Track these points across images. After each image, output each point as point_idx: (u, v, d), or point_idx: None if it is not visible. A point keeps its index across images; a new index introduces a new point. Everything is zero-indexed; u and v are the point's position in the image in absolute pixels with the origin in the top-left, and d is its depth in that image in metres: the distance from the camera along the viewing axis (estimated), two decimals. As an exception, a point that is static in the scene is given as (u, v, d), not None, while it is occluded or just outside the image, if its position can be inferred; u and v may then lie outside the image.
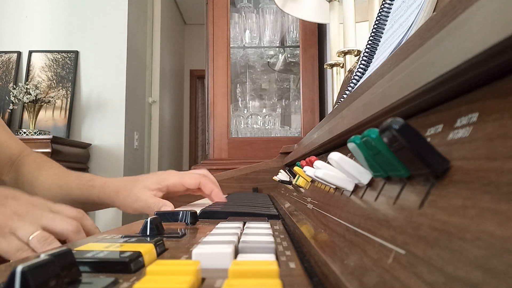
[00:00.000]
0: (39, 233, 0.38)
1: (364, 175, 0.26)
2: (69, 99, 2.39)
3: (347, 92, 0.61)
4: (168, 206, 0.61)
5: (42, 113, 2.28)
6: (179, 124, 4.19)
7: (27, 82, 2.32)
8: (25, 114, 2.28)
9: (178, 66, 4.13)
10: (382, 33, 0.57)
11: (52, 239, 0.38)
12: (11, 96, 2.13)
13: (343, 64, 1.02)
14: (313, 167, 0.35)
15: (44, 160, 0.74)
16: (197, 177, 0.66)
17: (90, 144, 2.42)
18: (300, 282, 0.20)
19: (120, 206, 0.65)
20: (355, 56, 0.95)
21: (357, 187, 0.28)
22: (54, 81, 2.42)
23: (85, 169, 2.35)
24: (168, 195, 0.67)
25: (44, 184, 0.68)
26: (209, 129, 1.93)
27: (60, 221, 0.41)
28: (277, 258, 0.23)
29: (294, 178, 0.67)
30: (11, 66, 2.43)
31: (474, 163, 0.14)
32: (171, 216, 0.45)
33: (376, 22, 0.58)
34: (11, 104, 2.23)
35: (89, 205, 0.68)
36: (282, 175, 0.85)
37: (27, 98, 2.09)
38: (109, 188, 0.65)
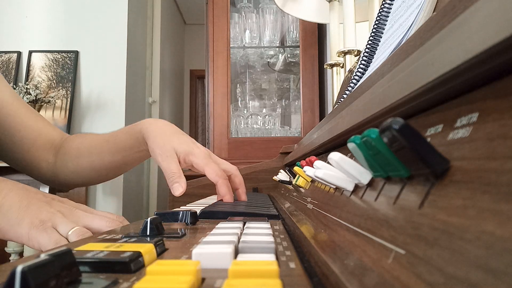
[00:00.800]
0: (78, 228, 0.40)
1: (364, 175, 0.26)
2: (69, 99, 2.39)
3: (347, 92, 0.61)
4: (181, 185, 0.60)
5: (42, 113, 2.28)
6: (179, 124, 4.19)
7: (27, 82, 2.32)
8: (25, 114, 2.28)
9: (178, 66, 4.13)
10: (382, 33, 0.57)
11: (89, 234, 0.40)
12: (11, 96, 2.13)
13: (343, 64, 1.02)
14: (313, 167, 0.35)
15: (88, 133, 0.79)
16: (219, 175, 0.64)
17: (90, 144, 2.42)
18: (300, 282, 0.20)
19: (150, 151, 0.66)
20: (355, 56, 0.95)
21: (357, 187, 0.28)
22: (54, 81, 2.42)
23: (85, 169, 2.35)
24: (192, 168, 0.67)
25: (91, 142, 0.72)
26: (209, 129, 1.93)
27: (99, 219, 0.44)
28: (277, 258, 0.23)
29: (294, 178, 0.67)
30: (11, 66, 2.43)
31: (474, 163, 0.14)
32: (171, 216, 0.45)
33: (376, 22, 0.58)
34: (11, 104, 2.23)
35: (134, 150, 0.69)
36: (282, 175, 0.85)
37: (27, 98, 2.09)
38: (151, 126, 0.66)
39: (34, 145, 0.72)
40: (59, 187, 0.77)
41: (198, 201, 0.96)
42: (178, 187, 0.60)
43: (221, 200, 0.65)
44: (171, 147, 0.63)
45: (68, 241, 0.40)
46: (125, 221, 0.46)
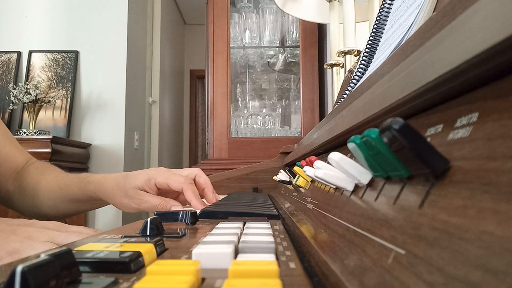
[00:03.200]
0: (55, 248, 0.37)
1: (364, 175, 0.26)
2: (69, 99, 2.39)
3: (347, 92, 0.61)
4: (177, 206, 0.60)
5: (42, 113, 2.28)
6: (179, 124, 4.19)
7: (27, 82, 2.32)
8: (25, 114, 2.28)
9: (178, 66, 4.13)
10: (382, 33, 0.57)
11: None
12: (11, 96, 2.13)
13: (343, 64, 1.02)
14: (313, 167, 0.35)
15: (46, 166, 0.76)
16: (182, 181, 0.64)
17: (90, 144, 2.42)
18: (300, 282, 0.20)
19: (118, 206, 0.65)
20: (355, 56, 0.95)
21: (357, 187, 0.28)
22: (54, 81, 2.42)
23: (85, 169, 2.35)
24: (163, 195, 0.66)
25: (46, 187, 0.70)
26: (209, 129, 1.93)
27: (75, 236, 0.40)
28: (277, 258, 0.23)
29: (294, 178, 0.67)
30: (11, 66, 2.43)
31: (474, 163, 0.14)
32: (171, 216, 0.45)
33: (376, 22, 0.58)
34: (11, 104, 2.23)
35: (88, 203, 0.69)
36: (282, 175, 0.85)
37: (27, 98, 2.09)
38: (104, 185, 0.66)
39: None
40: (15, 211, 0.76)
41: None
42: (177, 207, 0.60)
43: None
44: (132, 189, 0.63)
45: None
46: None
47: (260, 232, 0.31)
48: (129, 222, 0.59)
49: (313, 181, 0.49)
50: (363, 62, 0.59)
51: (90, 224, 2.34)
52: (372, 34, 0.58)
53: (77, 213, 0.74)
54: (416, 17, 0.40)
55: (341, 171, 0.28)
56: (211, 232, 0.32)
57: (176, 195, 0.69)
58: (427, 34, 0.21)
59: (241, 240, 0.27)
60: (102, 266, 0.21)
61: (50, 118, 2.35)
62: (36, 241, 0.38)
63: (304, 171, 0.40)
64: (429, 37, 0.19)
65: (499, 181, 0.12)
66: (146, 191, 0.63)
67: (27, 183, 0.72)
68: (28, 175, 0.73)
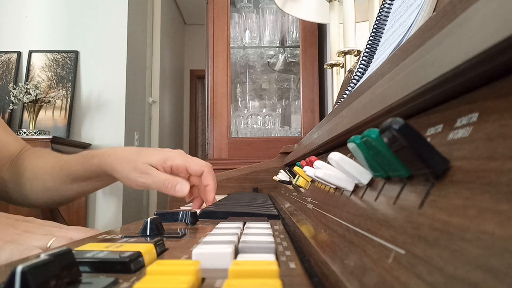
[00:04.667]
0: (57, 238, 0.37)
1: (364, 175, 0.26)
2: (69, 99, 2.39)
3: (347, 92, 0.61)
4: (184, 184, 0.57)
5: (42, 113, 2.28)
6: (179, 124, 4.19)
7: (27, 82, 2.32)
8: (25, 114, 2.28)
9: (178, 66, 4.13)
10: (382, 33, 0.57)
11: (71, 241, 0.37)
12: (11, 96, 2.13)
13: (343, 64, 1.02)
14: (313, 167, 0.35)
15: (43, 149, 0.72)
16: (203, 165, 0.62)
17: (90, 144, 2.42)
18: (300, 282, 0.20)
19: (123, 180, 0.61)
20: (355, 56, 0.95)
21: (357, 187, 0.28)
22: (54, 81, 2.42)
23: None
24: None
25: (45, 168, 0.66)
26: (209, 129, 1.93)
27: (74, 231, 0.40)
28: (277, 258, 0.23)
29: (294, 178, 0.67)
30: (11, 66, 2.43)
31: (474, 163, 0.14)
32: (171, 216, 0.45)
33: (376, 22, 0.58)
34: (11, 104, 2.23)
35: (92, 180, 0.65)
36: (282, 175, 0.85)
37: (27, 98, 2.09)
38: (110, 157, 0.61)
39: None
40: (10, 203, 0.72)
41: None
42: (181, 187, 0.57)
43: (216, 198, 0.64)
44: (144, 164, 0.60)
45: None
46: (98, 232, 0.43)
47: (260, 232, 0.31)
48: (129, 222, 0.59)
49: (313, 181, 0.49)
50: (363, 62, 0.59)
51: (90, 224, 2.34)
52: (372, 34, 0.58)
53: (80, 195, 0.69)
54: (416, 17, 0.40)
55: (341, 171, 0.28)
56: (211, 232, 0.32)
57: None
58: (427, 34, 0.21)
59: (241, 240, 0.27)
60: (102, 266, 0.21)
61: (50, 118, 2.35)
62: (35, 234, 0.38)
63: (304, 171, 0.40)
64: (429, 37, 0.19)
65: (499, 181, 0.12)
66: (160, 169, 0.60)
67: (24, 168, 0.67)
68: (24, 160, 0.68)
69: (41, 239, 0.37)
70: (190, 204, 0.86)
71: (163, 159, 0.61)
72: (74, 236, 0.39)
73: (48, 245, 0.36)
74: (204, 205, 0.65)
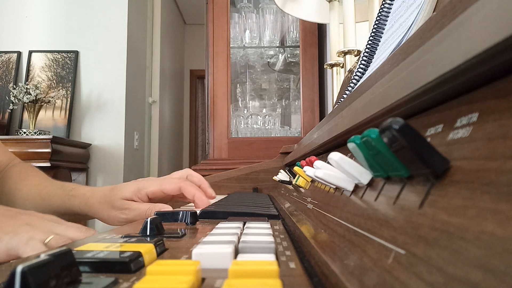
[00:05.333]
0: (55, 236, 0.37)
1: (364, 175, 0.26)
2: (69, 99, 2.39)
3: (347, 92, 0.61)
4: (166, 207, 0.58)
5: (42, 113, 2.28)
6: (179, 124, 4.19)
7: (27, 82, 2.32)
8: (25, 114, 2.28)
9: (178, 66, 4.13)
10: (382, 33, 0.57)
11: (70, 240, 0.37)
12: (11, 96, 2.13)
13: (343, 64, 1.02)
14: (313, 167, 0.35)
15: (30, 170, 0.72)
16: (176, 182, 0.62)
17: (90, 144, 2.42)
18: (300, 282, 0.20)
19: (106, 220, 0.62)
20: (355, 56, 0.95)
21: (357, 187, 0.28)
22: (54, 81, 2.42)
23: (85, 169, 2.35)
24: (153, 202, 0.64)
25: (27, 195, 0.66)
26: (209, 129, 1.93)
27: (74, 229, 0.40)
28: (277, 258, 0.23)
29: (294, 178, 0.67)
30: (11, 66, 2.43)
31: (474, 163, 0.14)
32: (171, 216, 0.45)
33: (376, 22, 0.58)
34: (11, 104, 2.23)
35: (71, 216, 0.65)
36: (282, 175, 0.85)
37: (27, 98, 2.09)
38: (90, 200, 0.62)
39: None
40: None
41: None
42: (164, 207, 0.58)
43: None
44: (120, 200, 0.60)
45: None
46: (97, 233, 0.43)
47: (260, 232, 0.31)
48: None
49: (313, 181, 0.49)
50: (363, 62, 0.59)
51: (90, 224, 2.34)
52: (372, 34, 0.58)
53: None
54: (416, 17, 0.40)
55: (341, 171, 0.28)
56: (211, 232, 0.32)
57: (169, 200, 0.67)
58: (427, 34, 0.21)
59: (241, 240, 0.27)
60: (102, 266, 0.21)
61: (50, 118, 2.35)
62: (35, 228, 0.39)
63: (304, 171, 0.40)
64: (429, 37, 0.19)
65: (499, 181, 0.12)
66: (134, 201, 0.61)
67: (8, 188, 0.68)
68: (10, 179, 0.69)
69: (40, 233, 0.37)
70: (190, 204, 0.86)
71: (136, 190, 0.61)
72: (73, 235, 0.39)
73: (46, 241, 0.36)
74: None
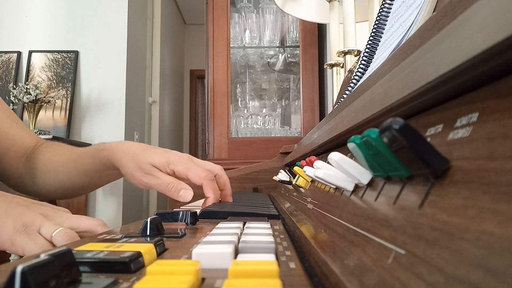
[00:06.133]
0: (63, 229, 0.38)
1: (364, 175, 0.26)
2: (69, 99, 2.39)
3: (347, 92, 0.61)
4: (188, 190, 0.57)
5: (42, 113, 2.29)
6: (179, 124, 4.19)
7: (27, 82, 2.32)
8: (25, 114, 2.28)
9: (178, 66, 4.13)
10: (382, 33, 0.57)
11: (75, 235, 0.38)
12: (11, 96, 2.13)
13: (343, 64, 1.02)
14: (313, 167, 0.35)
15: (57, 144, 0.75)
16: (203, 176, 0.61)
17: (90, 144, 2.42)
18: (300, 282, 0.20)
19: (128, 177, 0.62)
20: (355, 56, 0.95)
21: (357, 187, 0.28)
22: (54, 81, 2.42)
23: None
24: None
25: (58, 161, 0.68)
26: (209, 129, 1.93)
27: (85, 219, 0.42)
28: (277, 258, 0.23)
29: (294, 178, 0.67)
30: (11, 66, 2.43)
31: (474, 163, 0.14)
32: (171, 216, 0.45)
33: (376, 22, 0.58)
34: (11, 104, 2.23)
35: (102, 173, 0.66)
36: (282, 175, 0.85)
37: (27, 98, 2.09)
38: (119, 152, 0.63)
39: (7, 154, 0.69)
40: (27, 195, 0.73)
41: (198, 201, 0.96)
42: (185, 193, 0.57)
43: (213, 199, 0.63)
44: (148, 164, 0.60)
45: (53, 245, 0.37)
46: (106, 226, 0.44)
47: (260, 232, 0.31)
48: (129, 222, 0.59)
49: (313, 181, 0.49)
50: (363, 62, 0.59)
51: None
52: (372, 34, 0.58)
53: (92, 187, 0.71)
54: (416, 17, 0.40)
55: (341, 171, 0.28)
56: (211, 232, 0.32)
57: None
58: (427, 34, 0.21)
59: (241, 240, 0.27)
60: (102, 266, 0.21)
61: (50, 118, 2.35)
62: (48, 219, 0.40)
63: (304, 171, 0.40)
64: (429, 37, 0.19)
65: (499, 181, 0.12)
66: (160, 171, 0.61)
67: (38, 161, 0.69)
68: (39, 154, 0.70)
69: (53, 227, 0.39)
70: (189, 204, 0.86)
71: (166, 162, 0.61)
72: (85, 224, 0.41)
73: (54, 234, 0.38)
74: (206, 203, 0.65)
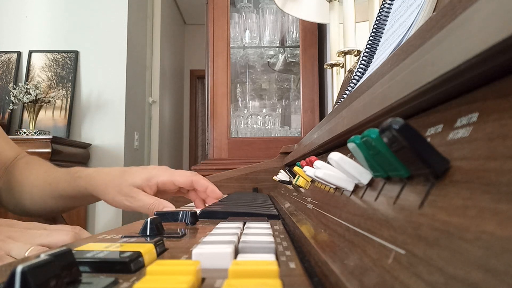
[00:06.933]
0: (34, 248, 0.37)
1: (364, 175, 0.26)
2: (69, 99, 2.39)
3: (347, 92, 0.61)
4: (169, 208, 0.58)
5: (42, 113, 2.28)
6: (179, 124, 4.19)
7: (27, 82, 2.32)
8: (25, 114, 2.28)
9: (178, 66, 4.13)
10: (382, 33, 0.57)
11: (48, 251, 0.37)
12: (11, 96, 2.13)
13: (343, 64, 1.02)
14: (313, 167, 0.35)
15: (35, 160, 0.73)
16: (188, 175, 0.63)
17: (90, 144, 2.42)
18: (300, 282, 0.20)
19: (110, 203, 0.62)
20: (355, 56, 0.95)
21: (357, 187, 0.28)
22: (54, 81, 2.42)
23: (85, 169, 2.35)
24: (158, 195, 0.63)
25: (34, 182, 0.67)
26: (209, 129, 1.93)
27: (56, 234, 0.40)
28: (277, 258, 0.23)
29: (294, 178, 0.67)
30: (11, 66, 2.43)
31: (474, 163, 0.14)
32: (171, 216, 0.45)
33: (376, 22, 0.58)
34: (11, 104, 2.23)
35: (79, 199, 0.66)
36: (282, 175, 0.85)
37: (27, 98, 2.09)
38: (96, 180, 0.62)
39: None
40: (6, 209, 0.72)
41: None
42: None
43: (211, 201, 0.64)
44: (128, 187, 0.60)
45: None
46: (82, 230, 0.43)
47: (260, 232, 0.31)
48: (129, 222, 0.59)
49: (313, 181, 0.49)
50: (363, 62, 0.59)
51: (90, 224, 2.34)
52: (372, 34, 0.58)
53: (68, 209, 0.71)
54: (416, 17, 0.40)
55: (341, 171, 0.28)
56: (211, 232, 0.32)
57: (173, 194, 0.67)
58: (427, 34, 0.21)
59: (241, 240, 0.27)
60: (102, 266, 0.21)
61: (50, 118, 2.35)
62: (17, 240, 0.38)
63: (304, 171, 0.40)
64: (429, 37, 0.19)
65: (499, 181, 0.12)
66: (143, 190, 0.61)
67: (15, 179, 0.68)
68: (16, 170, 0.69)
69: (23, 247, 0.37)
70: (189, 204, 0.86)
71: (148, 178, 0.61)
72: (57, 240, 0.39)
73: (27, 254, 0.36)
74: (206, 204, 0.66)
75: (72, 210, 0.72)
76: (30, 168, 0.70)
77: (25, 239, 0.39)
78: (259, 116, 2.11)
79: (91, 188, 0.62)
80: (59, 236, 0.40)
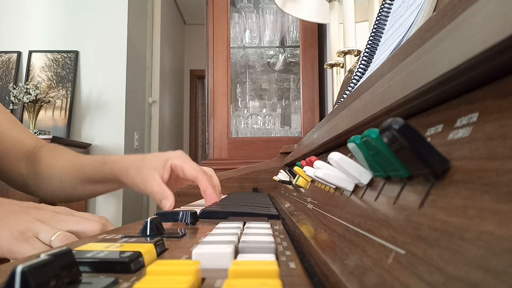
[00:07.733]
0: (61, 233, 0.38)
1: (364, 175, 0.26)
2: (69, 99, 2.39)
3: (347, 92, 0.61)
4: (168, 200, 0.60)
5: (42, 113, 2.29)
6: (179, 124, 4.19)
7: (27, 82, 2.32)
8: (25, 114, 2.28)
9: (178, 66, 4.13)
10: (382, 33, 0.57)
11: (74, 238, 0.38)
12: (11, 96, 2.13)
13: (343, 64, 1.02)
14: (313, 167, 0.35)
15: (58, 148, 0.76)
16: (197, 169, 0.65)
17: (90, 144, 2.42)
18: (300, 282, 0.20)
19: (130, 184, 0.66)
20: (355, 56, 0.95)
21: (357, 187, 0.28)
22: (54, 81, 2.42)
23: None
24: (174, 179, 0.67)
25: (61, 169, 0.70)
26: (209, 129, 1.93)
27: (84, 222, 0.41)
28: (277, 258, 0.23)
29: (294, 178, 0.67)
30: (11, 66, 2.43)
31: (474, 163, 0.14)
32: (171, 216, 0.45)
33: (376, 22, 0.58)
34: (11, 104, 2.23)
35: (104, 183, 0.69)
36: (282, 175, 0.85)
37: (27, 98, 2.09)
38: (120, 164, 0.66)
39: (8, 155, 0.71)
40: (30, 195, 0.76)
41: (198, 201, 0.96)
42: (165, 203, 0.61)
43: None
44: (146, 170, 0.63)
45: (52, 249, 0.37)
46: (108, 222, 0.44)
47: (260, 232, 0.31)
48: (129, 222, 0.59)
49: (313, 181, 0.49)
50: (363, 62, 0.59)
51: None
52: (372, 34, 0.58)
53: (94, 195, 0.74)
54: (416, 17, 0.40)
55: (341, 171, 0.28)
56: (211, 232, 0.32)
57: (189, 182, 0.69)
58: (427, 34, 0.21)
59: (241, 240, 0.27)
60: (102, 266, 0.21)
61: (50, 118, 2.35)
62: (46, 223, 0.40)
63: (304, 171, 0.40)
64: (429, 37, 0.19)
65: (499, 181, 0.12)
66: (160, 173, 0.64)
67: (42, 167, 0.71)
68: (42, 159, 0.72)
69: (51, 231, 0.38)
70: (189, 204, 0.86)
71: (164, 161, 0.64)
72: (85, 228, 0.41)
73: (52, 238, 0.37)
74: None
75: (98, 195, 0.76)
76: (56, 155, 0.73)
77: (54, 224, 0.40)
78: (259, 116, 2.11)
79: (116, 171, 0.66)
80: (88, 225, 0.41)
